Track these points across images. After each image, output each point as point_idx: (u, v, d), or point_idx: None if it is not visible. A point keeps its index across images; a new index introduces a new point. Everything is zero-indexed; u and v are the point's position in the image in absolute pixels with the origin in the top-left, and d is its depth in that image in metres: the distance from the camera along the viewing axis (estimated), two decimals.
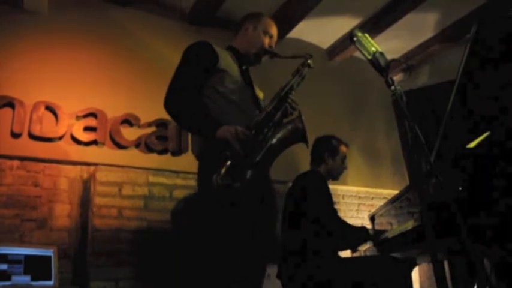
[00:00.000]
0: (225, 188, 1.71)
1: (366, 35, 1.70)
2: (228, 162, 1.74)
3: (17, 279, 2.48)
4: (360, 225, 3.93)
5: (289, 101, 1.97)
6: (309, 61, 2.06)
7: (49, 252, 2.69)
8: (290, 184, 2.82)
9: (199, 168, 1.98)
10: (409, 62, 4.82)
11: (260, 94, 2.24)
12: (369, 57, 1.65)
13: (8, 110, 3.01)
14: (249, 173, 1.76)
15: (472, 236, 1.56)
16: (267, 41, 2.19)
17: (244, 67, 2.19)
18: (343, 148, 2.84)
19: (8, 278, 2.46)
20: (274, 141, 1.89)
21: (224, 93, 1.97)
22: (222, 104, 1.96)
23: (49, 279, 2.59)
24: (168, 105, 1.94)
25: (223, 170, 1.72)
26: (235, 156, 1.75)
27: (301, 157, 3.44)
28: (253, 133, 1.82)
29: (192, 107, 1.90)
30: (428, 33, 4.63)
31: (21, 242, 2.78)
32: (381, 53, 1.65)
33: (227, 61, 2.06)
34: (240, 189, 1.72)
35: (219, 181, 1.71)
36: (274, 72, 2.91)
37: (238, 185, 1.72)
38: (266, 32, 2.20)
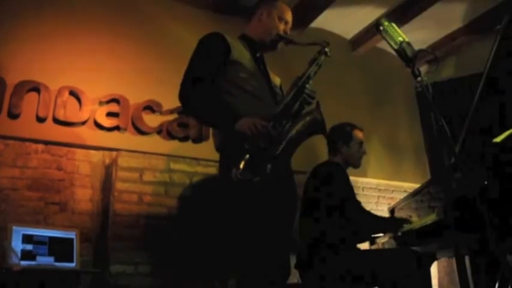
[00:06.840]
0: (244, 183, 1.70)
1: (393, 24, 1.67)
2: (247, 156, 1.73)
3: (42, 259, 2.54)
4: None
5: (307, 91, 1.92)
6: (326, 49, 2.00)
7: (72, 234, 2.75)
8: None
9: (220, 160, 1.98)
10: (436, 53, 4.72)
11: (277, 80, 2.21)
12: (396, 47, 1.63)
13: (33, 95, 3.06)
14: (268, 167, 1.74)
15: (497, 232, 1.53)
16: (282, 27, 2.14)
17: (258, 55, 2.14)
18: (357, 133, 2.73)
19: (33, 258, 2.52)
20: (293, 133, 1.86)
21: (240, 85, 1.95)
22: (240, 97, 1.94)
23: (71, 261, 2.65)
24: (182, 97, 1.92)
25: (242, 164, 1.72)
26: (254, 149, 1.74)
27: (320, 147, 3.41)
28: (271, 125, 1.79)
29: (208, 100, 1.89)
30: (455, 25, 4.52)
31: (46, 224, 2.84)
32: (408, 43, 1.62)
33: (240, 51, 2.03)
34: (260, 183, 1.71)
35: (238, 176, 1.70)
36: (291, 58, 2.87)
37: (258, 179, 1.70)
38: (281, 18, 2.15)
